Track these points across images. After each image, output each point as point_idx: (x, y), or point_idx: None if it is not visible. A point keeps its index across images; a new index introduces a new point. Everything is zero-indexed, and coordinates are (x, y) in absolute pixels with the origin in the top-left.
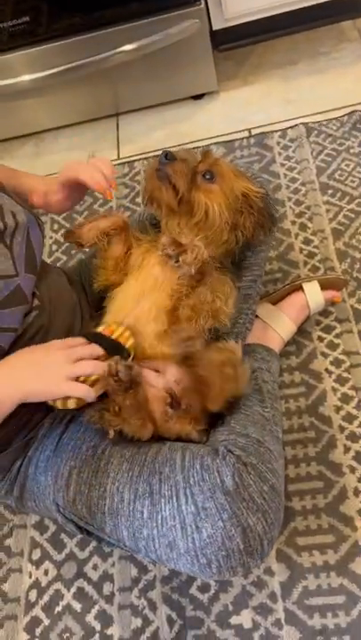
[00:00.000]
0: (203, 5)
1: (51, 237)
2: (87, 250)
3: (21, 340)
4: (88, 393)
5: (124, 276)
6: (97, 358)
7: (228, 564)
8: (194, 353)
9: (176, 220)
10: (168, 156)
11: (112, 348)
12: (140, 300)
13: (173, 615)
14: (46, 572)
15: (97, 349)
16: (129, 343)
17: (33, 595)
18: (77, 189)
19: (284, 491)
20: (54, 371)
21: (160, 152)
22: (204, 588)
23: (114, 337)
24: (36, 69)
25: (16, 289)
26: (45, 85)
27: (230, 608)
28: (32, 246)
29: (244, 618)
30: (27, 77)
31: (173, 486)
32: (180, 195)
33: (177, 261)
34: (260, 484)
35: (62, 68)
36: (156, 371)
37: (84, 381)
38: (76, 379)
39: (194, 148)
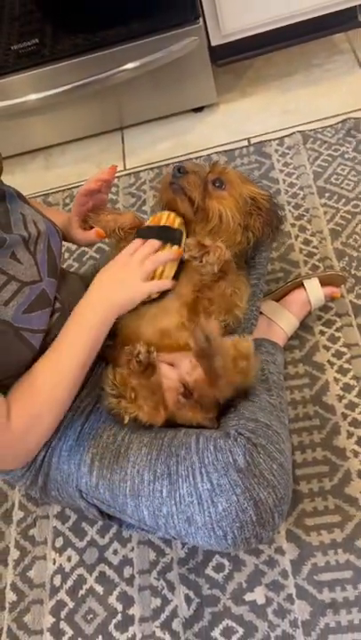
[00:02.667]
0: (201, 23)
1: (63, 245)
2: (98, 256)
3: (47, 339)
4: (164, 285)
5: None
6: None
7: (243, 535)
8: (212, 348)
9: (191, 226)
10: (181, 170)
11: (164, 235)
12: (164, 294)
13: (191, 594)
14: (69, 559)
15: (154, 243)
16: (177, 223)
17: (57, 580)
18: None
19: (293, 475)
20: (133, 279)
21: (164, 162)
22: (218, 567)
23: (162, 224)
24: (43, 89)
25: (41, 293)
26: (53, 103)
27: (244, 586)
28: (53, 253)
29: (258, 594)
30: (34, 97)
31: (190, 466)
32: (195, 205)
33: (201, 261)
34: (270, 462)
35: (69, 86)
36: (171, 364)
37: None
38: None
39: (196, 158)
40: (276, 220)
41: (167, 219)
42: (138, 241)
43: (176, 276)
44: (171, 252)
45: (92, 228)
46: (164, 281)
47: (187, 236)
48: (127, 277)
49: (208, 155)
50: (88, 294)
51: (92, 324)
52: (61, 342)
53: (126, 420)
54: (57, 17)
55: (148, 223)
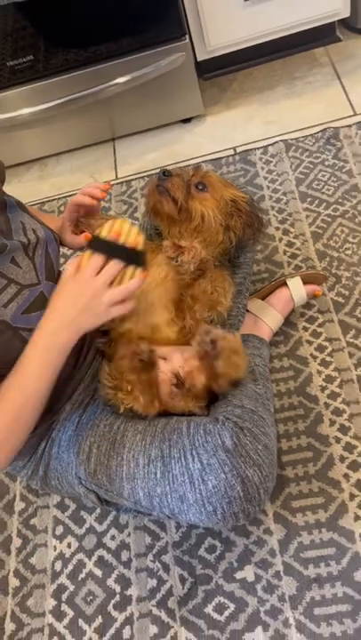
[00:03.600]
0: (187, 40)
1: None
2: None
3: None
4: (128, 308)
5: None
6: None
7: (231, 509)
8: (217, 351)
9: (176, 227)
10: (165, 173)
11: (132, 258)
12: (150, 292)
13: (185, 574)
14: (69, 545)
15: (118, 266)
16: (140, 242)
17: (58, 565)
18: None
19: (279, 461)
20: (99, 305)
21: (155, 172)
22: (210, 549)
23: (123, 240)
24: (37, 103)
25: (40, 295)
26: (47, 116)
27: (235, 565)
28: (50, 258)
29: (248, 572)
30: (28, 110)
31: (181, 449)
32: (179, 205)
33: (177, 261)
34: (255, 443)
35: (62, 100)
36: (163, 358)
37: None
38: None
39: (185, 167)
40: (257, 222)
41: (128, 233)
42: (98, 259)
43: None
44: (140, 279)
45: (82, 232)
46: (128, 305)
47: (169, 237)
48: (93, 304)
49: (196, 163)
50: (51, 315)
51: (54, 346)
52: (26, 365)
53: (122, 410)
54: (50, 33)
55: (104, 232)
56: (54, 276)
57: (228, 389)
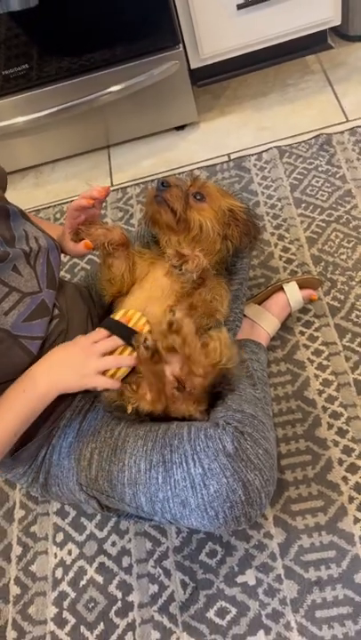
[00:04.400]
0: (181, 48)
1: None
2: (89, 267)
3: (46, 344)
4: (113, 385)
5: (132, 286)
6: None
7: (233, 514)
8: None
9: (175, 236)
10: (164, 184)
11: (130, 337)
12: (150, 303)
13: (186, 579)
14: (70, 552)
15: (118, 341)
16: (145, 330)
17: (59, 572)
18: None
19: (278, 465)
20: (87, 368)
21: (150, 178)
22: (211, 553)
23: (131, 325)
24: (31, 111)
25: (41, 302)
26: (41, 124)
27: (236, 569)
28: (52, 266)
29: (249, 576)
30: (22, 119)
31: (183, 454)
32: (177, 215)
33: (180, 270)
34: (256, 447)
35: (56, 108)
36: (164, 362)
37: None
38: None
39: (180, 174)
40: (254, 231)
41: (137, 322)
42: (103, 332)
43: None
44: (132, 358)
45: (82, 240)
46: (114, 382)
47: (167, 247)
48: (82, 365)
49: (191, 170)
50: (38, 367)
51: (33, 397)
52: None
53: (130, 409)
54: (44, 42)
55: (118, 316)
56: (55, 285)
57: (226, 394)
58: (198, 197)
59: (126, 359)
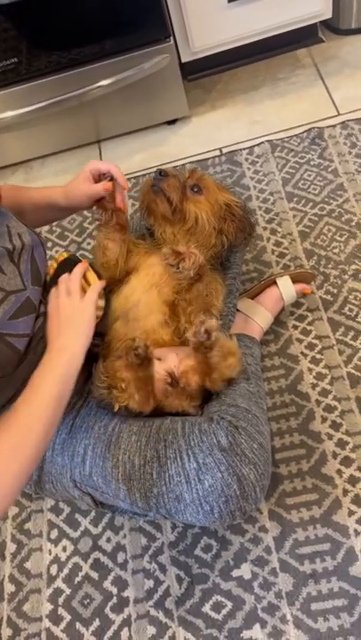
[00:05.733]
0: (172, 42)
1: (47, 253)
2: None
3: (33, 341)
4: (96, 287)
5: (125, 275)
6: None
7: (228, 508)
8: (211, 342)
9: (170, 228)
10: (162, 173)
11: (68, 266)
12: (144, 294)
13: (182, 574)
14: (64, 549)
15: (78, 274)
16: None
17: (54, 569)
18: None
19: (273, 459)
20: (84, 319)
21: (141, 172)
22: (207, 548)
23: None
24: (20, 106)
25: (26, 300)
26: (31, 119)
27: (231, 563)
28: (36, 263)
29: (244, 570)
30: (11, 114)
31: (177, 449)
32: (173, 205)
33: (178, 268)
34: (250, 442)
35: (45, 103)
36: (158, 359)
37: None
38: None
39: (180, 167)
40: (249, 227)
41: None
42: (65, 276)
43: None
44: (80, 265)
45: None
46: (94, 285)
47: (162, 238)
48: (70, 314)
49: (182, 164)
50: (49, 349)
51: (58, 374)
52: (32, 393)
53: (116, 407)
54: (33, 36)
55: (56, 264)
56: (41, 281)
57: (222, 387)
58: (195, 190)
59: (77, 269)
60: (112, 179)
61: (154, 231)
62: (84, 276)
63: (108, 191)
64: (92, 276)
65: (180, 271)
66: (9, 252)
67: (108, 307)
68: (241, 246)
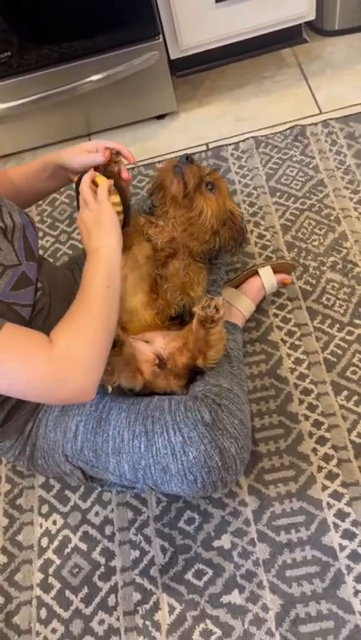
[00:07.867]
0: (161, 39)
1: (38, 243)
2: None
3: (34, 312)
4: (105, 184)
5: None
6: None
7: (210, 478)
8: (217, 317)
9: (173, 210)
10: (188, 159)
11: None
12: (131, 272)
13: (166, 545)
14: (55, 522)
15: (86, 180)
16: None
17: (45, 541)
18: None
19: (253, 438)
20: (103, 216)
21: (129, 165)
22: (189, 521)
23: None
24: (10, 99)
25: (22, 274)
26: (22, 112)
27: (212, 534)
28: (28, 241)
29: (224, 541)
30: (2, 106)
31: (164, 425)
32: (187, 190)
33: (146, 234)
34: (232, 418)
35: (36, 96)
36: (146, 341)
37: None
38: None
39: (159, 162)
40: (242, 239)
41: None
42: (88, 178)
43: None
44: (86, 175)
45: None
46: (101, 185)
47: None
48: (93, 220)
49: (171, 159)
50: (88, 255)
51: (101, 267)
52: (84, 291)
53: (110, 390)
54: (24, 30)
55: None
56: (35, 257)
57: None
58: (210, 187)
59: (101, 184)
60: (118, 154)
61: (155, 210)
62: (94, 182)
63: (106, 158)
64: (100, 179)
65: (148, 238)
66: (2, 230)
67: (125, 201)
68: (228, 253)
